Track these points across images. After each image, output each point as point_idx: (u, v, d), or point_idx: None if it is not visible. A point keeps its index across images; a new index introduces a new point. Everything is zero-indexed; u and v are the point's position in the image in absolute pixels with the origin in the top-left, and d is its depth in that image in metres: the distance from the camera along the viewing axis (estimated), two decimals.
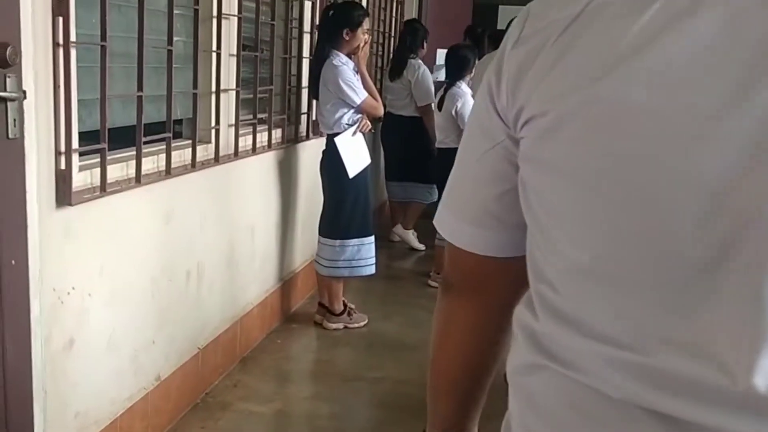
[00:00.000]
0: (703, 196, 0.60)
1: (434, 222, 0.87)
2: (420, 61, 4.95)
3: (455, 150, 0.86)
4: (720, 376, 0.60)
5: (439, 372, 0.95)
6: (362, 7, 3.73)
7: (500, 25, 7.13)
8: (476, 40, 5.63)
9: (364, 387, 3.20)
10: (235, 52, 2.97)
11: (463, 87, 4.33)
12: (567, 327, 0.69)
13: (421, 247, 5.26)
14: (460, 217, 0.83)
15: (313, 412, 2.98)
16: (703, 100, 0.60)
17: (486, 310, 0.87)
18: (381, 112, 3.70)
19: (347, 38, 3.42)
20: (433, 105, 4.67)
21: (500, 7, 8.54)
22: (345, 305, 3.78)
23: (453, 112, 4.24)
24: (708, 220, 0.60)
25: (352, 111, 3.48)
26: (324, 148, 3.60)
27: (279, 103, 3.63)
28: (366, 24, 3.48)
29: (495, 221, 0.80)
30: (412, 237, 5.29)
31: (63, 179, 1.96)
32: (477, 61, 4.50)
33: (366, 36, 3.49)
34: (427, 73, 4.93)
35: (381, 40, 5.46)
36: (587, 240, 0.67)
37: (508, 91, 0.72)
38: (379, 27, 5.39)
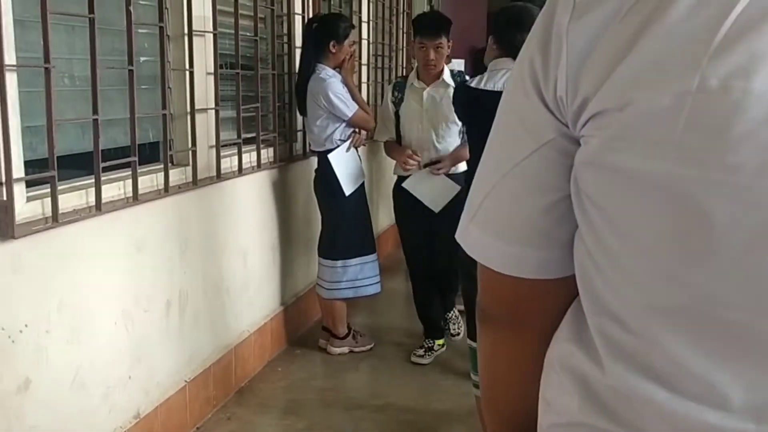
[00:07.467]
0: None
1: (458, 239, 0.69)
2: None
3: None
4: None
5: (492, 412, 0.80)
6: (347, 18, 3.60)
7: None
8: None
9: (366, 416, 3.02)
10: (212, 70, 2.86)
11: None
12: (646, 380, 0.54)
13: None
14: (497, 237, 0.65)
15: None
16: None
17: (533, 342, 0.70)
18: (372, 125, 3.55)
19: (333, 51, 3.29)
20: None
21: None
22: (350, 328, 3.62)
23: None
24: None
25: (343, 125, 3.34)
26: (316, 166, 3.46)
27: (270, 121, 3.51)
28: (352, 36, 3.36)
29: (543, 238, 0.63)
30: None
31: (5, 211, 1.85)
32: None
33: (352, 48, 3.36)
34: None
35: (387, 53, 5.31)
36: (687, 276, 0.51)
37: (567, 77, 0.55)
38: (383, 39, 5.25)
